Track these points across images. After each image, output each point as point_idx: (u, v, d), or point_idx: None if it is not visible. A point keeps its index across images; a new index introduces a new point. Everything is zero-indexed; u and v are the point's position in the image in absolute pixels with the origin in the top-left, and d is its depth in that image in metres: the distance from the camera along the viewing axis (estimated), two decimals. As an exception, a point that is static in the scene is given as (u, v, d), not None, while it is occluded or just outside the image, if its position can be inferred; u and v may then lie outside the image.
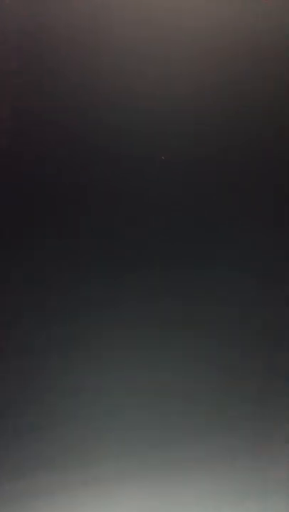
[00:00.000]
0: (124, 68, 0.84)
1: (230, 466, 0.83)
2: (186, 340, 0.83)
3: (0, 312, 0.82)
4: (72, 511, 0.81)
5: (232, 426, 0.83)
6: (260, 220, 0.85)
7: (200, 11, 0.85)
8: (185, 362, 0.83)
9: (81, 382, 0.82)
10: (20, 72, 0.83)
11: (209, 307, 0.84)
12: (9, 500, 0.80)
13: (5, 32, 0.83)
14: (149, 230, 0.84)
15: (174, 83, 0.84)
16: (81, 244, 0.83)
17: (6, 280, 0.82)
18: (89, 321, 0.82)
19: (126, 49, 0.84)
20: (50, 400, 0.82)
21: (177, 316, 0.83)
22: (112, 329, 0.83)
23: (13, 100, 0.83)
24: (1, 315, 0.82)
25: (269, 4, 0.86)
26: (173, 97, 0.84)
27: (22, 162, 0.83)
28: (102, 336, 0.83)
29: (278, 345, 0.85)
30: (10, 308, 0.82)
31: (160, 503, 0.82)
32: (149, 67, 0.84)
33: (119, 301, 0.83)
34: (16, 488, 0.81)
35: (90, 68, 0.84)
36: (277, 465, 0.83)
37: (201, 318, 0.84)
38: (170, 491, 0.82)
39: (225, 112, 0.85)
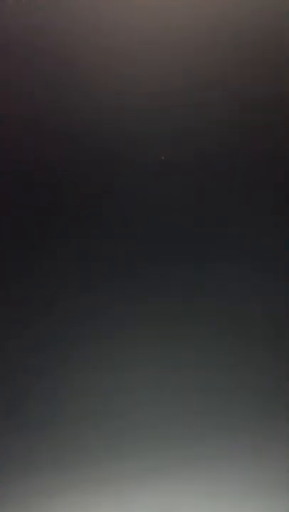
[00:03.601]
0: (124, 68, 0.85)
1: (232, 466, 0.83)
2: (186, 338, 0.83)
3: (3, 312, 0.83)
4: (79, 511, 0.81)
5: (234, 423, 0.83)
6: (260, 220, 0.85)
7: (196, 8, 0.86)
8: (185, 359, 0.83)
9: (87, 381, 0.82)
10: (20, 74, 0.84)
11: (210, 305, 0.84)
12: (13, 499, 0.81)
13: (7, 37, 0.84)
14: (149, 230, 0.84)
15: (174, 83, 0.85)
16: (80, 244, 0.83)
17: (7, 281, 0.83)
18: (91, 319, 0.83)
19: (123, 50, 0.85)
20: (57, 398, 0.82)
21: (178, 314, 0.84)
22: (114, 327, 0.83)
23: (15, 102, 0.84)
24: (3, 315, 0.82)
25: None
26: (173, 97, 0.85)
27: (22, 162, 0.84)
28: (104, 335, 0.83)
29: (280, 345, 0.84)
30: (11, 308, 0.82)
31: (161, 503, 0.81)
32: (149, 67, 0.85)
33: (120, 299, 0.83)
34: (21, 487, 0.81)
35: (90, 69, 0.84)
36: (278, 465, 0.83)
37: (201, 315, 0.84)
38: (174, 490, 0.82)
39: (225, 111, 0.86)
